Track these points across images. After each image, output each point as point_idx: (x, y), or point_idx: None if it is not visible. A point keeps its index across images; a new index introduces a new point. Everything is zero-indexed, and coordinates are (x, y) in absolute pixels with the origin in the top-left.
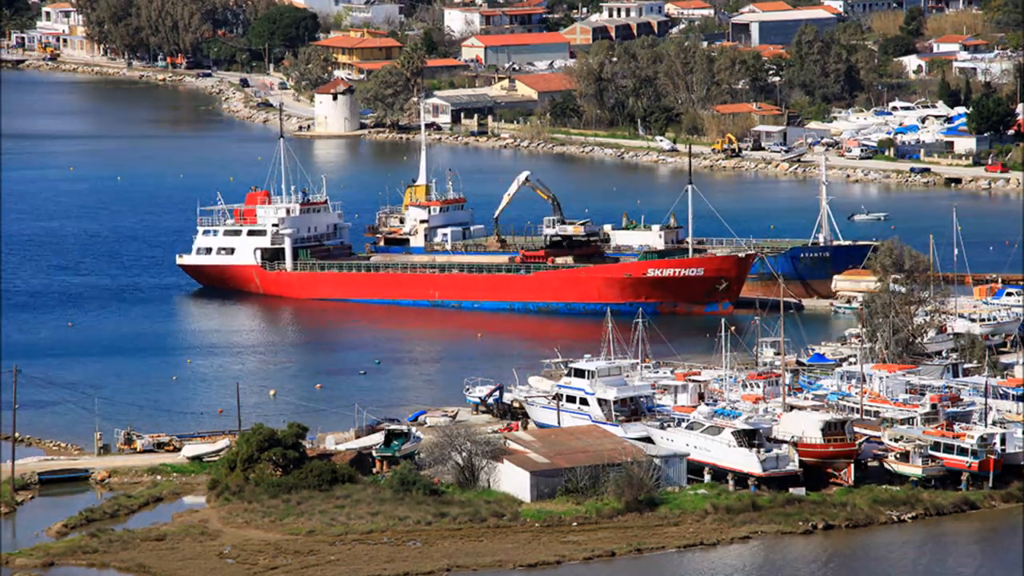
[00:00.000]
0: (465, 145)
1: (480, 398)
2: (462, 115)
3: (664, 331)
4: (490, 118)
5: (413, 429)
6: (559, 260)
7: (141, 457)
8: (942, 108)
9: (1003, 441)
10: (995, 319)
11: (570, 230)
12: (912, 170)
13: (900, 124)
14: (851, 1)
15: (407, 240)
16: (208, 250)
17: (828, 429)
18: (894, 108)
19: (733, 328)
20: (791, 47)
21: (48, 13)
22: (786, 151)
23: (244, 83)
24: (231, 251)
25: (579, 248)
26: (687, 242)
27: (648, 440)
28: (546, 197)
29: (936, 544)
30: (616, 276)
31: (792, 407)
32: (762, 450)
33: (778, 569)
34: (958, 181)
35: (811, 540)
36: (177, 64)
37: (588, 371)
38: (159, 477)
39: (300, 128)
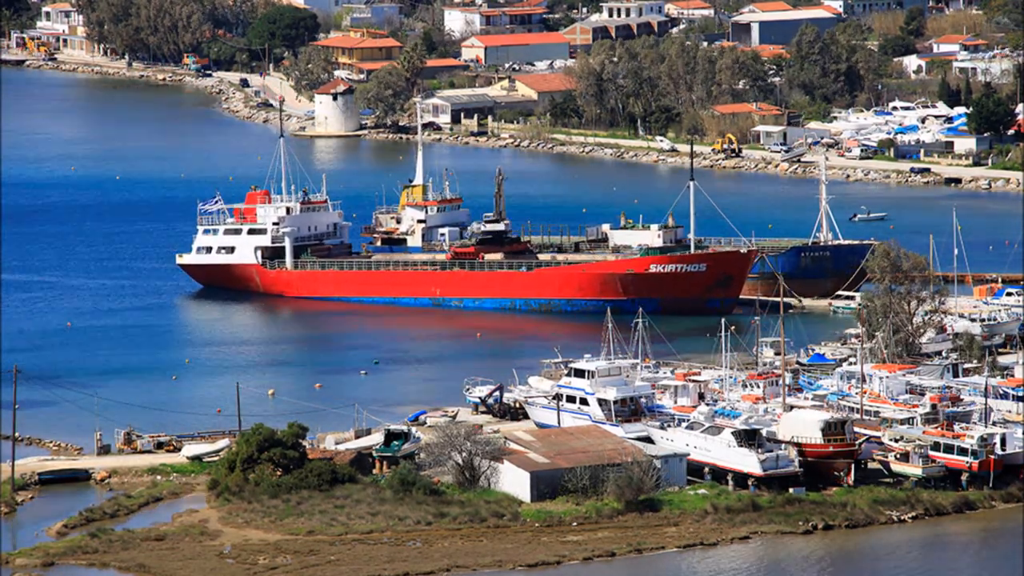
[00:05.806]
0: (465, 145)
1: (480, 398)
2: (462, 115)
3: (664, 331)
4: (490, 118)
5: (413, 429)
6: (489, 256)
7: (141, 457)
8: (942, 108)
9: (1003, 441)
10: (995, 319)
11: (501, 226)
12: (912, 170)
13: (900, 124)
14: (851, 1)
15: (404, 240)
16: (208, 249)
17: (828, 429)
18: (894, 108)
19: (733, 328)
20: (791, 47)
21: (48, 13)
22: (786, 151)
23: (244, 83)
24: (231, 250)
25: (509, 244)
26: (686, 240)
27: (648, 440)
28: (499, 194)
29: (936, 544)
30: (618, 272)
31: (792, 407)
32: (762, 450)
33: (778, 569)
34: (958, 181)
35: (811, 540)
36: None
37: (588, 371)
38: (159, 477)
39: (302, 128)
